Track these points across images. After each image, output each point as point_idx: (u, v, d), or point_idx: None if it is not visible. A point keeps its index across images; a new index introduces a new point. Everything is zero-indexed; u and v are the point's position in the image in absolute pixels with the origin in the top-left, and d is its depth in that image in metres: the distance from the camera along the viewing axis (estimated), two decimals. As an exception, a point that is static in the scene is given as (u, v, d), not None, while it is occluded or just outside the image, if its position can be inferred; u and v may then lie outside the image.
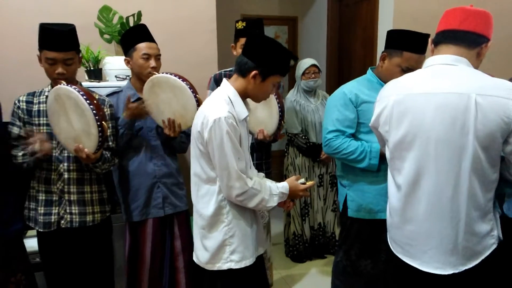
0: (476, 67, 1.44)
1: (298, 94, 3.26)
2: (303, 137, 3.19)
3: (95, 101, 1.82)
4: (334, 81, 4.49)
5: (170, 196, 2.27)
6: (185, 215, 2.37)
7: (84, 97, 1.79)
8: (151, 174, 2.22)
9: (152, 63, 2.12)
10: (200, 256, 1.72)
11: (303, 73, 3.20)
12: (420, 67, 1.97)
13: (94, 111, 1.79)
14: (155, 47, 2.16)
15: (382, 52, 2.05)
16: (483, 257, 1.41)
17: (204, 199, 1.67)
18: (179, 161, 2.39)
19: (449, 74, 1.40)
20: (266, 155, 2.68)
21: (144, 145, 2.22)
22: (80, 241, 2.04)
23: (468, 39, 1.42)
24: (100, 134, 1.82)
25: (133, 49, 2.12)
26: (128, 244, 2.28)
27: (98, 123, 1.80)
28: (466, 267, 1.41)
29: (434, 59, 1.48)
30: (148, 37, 2.15)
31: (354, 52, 4.16)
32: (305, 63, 3.23)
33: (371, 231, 2.13)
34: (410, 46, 1.94)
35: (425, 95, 1.40)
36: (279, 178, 3.17)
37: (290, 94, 3.30)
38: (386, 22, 3.45)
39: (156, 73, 2.08)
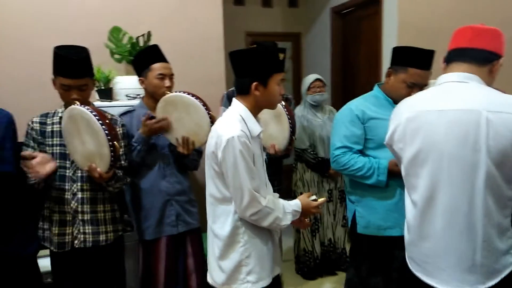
0: (489, 84, 1.45)
1: (306, 110, 3.28)
2: (311, 152, 3.20)
3: (107, 121, 1.84)
4: (339, 96, 4.51)
5: (183, 214, 2.28)
6: (197, 232, 2.37)
7: (97, 117, 1.81)
8: (164, 192, 2.23)
9: (167, 82, 2.17)
10: (216, 277, 1.71)
11: (308, 88, 3.23)
12: (425, 83, 1.99)
13: (106, 131, 1.81)
14: (169, 67, 2.21)
15: (388, 69, 2.07)
16: (502, 275, 1.39)
17: (220, 219, 1.67)
18: (190, 178, 2.40)
19: (460, 92, 1.41)
20: (277, 171, 2.69)
21: (157, 163, 2.24)
22: (93, 260, 2.03)
23: (479, 57, 1.43)
24: (112, 154, 1.84)
25: (148, 69, 2.16)
26: (141, 263, 2.28)
27: (110, 143, 1.82)
28: (485, 286, 1.39)
29: (445, 77, 1.49)
30: (162, 58, 2.20)
31: (358, 66, 4.19)
32: (309, 78, 3.27)
33: (381, 248, 2.11)
34: (415, 62, 1.95)
35: (436, 112, 1.41)
36: (288, 193, 3.18)
37: (298, 109, 3.32)
38: (391, 36, 3.48)
39: (169, 92, 2.11)
